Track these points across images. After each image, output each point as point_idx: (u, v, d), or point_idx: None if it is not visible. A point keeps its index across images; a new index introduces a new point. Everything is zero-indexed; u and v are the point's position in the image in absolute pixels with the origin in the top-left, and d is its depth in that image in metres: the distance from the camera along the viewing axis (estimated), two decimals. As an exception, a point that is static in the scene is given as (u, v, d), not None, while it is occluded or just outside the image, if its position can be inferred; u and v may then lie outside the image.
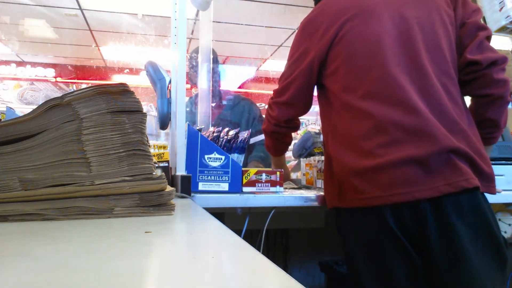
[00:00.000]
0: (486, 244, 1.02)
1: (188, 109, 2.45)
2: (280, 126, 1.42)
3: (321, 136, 2.12)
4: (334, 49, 1.21)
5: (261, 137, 2.36)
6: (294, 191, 1.46)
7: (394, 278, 1.05)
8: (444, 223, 1.01)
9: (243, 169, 1.35)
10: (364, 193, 1.07)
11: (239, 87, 8.18)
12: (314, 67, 1.26)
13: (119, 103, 0.72)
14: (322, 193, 1.38)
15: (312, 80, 1.30)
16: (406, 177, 1.03)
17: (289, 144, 1.55)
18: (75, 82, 7.25)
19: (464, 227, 1.01)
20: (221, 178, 1.32)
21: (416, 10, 1.18)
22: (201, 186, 1.31)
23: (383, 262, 1.07)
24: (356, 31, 1.18)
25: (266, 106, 1.49)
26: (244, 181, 1.35)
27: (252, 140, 2.32)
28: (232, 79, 7.89)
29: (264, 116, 1.91)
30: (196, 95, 2.40)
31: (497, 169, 1.35)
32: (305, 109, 1.40)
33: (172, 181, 1.34)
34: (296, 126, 1.47)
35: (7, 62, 7.00)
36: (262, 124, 1.52)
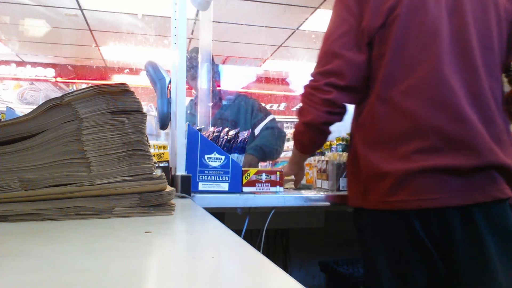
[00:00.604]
0: None
1: (188, 112, 2.43)
2: (335, 114, 1.18)
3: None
4: (385, 29, 1.06)
5: (265, 122, 2.31)
6: (294, 191, 1.46)
7: (414, 283, 1.02)
8: (473, 232, 0.98)
9: (243, 169, 1.35)
10: (391, 196, 1.02)
11: (244, 88, 8.18)
12: (364, 40, 1.09)
13: (119, 103, 0.72)
14: (322, 193, 1.38)
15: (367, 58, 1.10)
16: (437, 183, 0.98)
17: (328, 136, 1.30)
18: (75, 82, 7.26)
19: (492, 237, 0.98)
20: (221, 178, 1.32)
21: (471, 1, 1.06)
22: (201, 186, 1.31)
23: (404, 266, 1.04)
24: (411, 15, 1.04)
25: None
26: (244, 181, 1.35)
27: (257, 131, 2.28)
28: (233, 79, 7.89)
29: (259, 103, 1.76)
30: (196, 97, 2.39)
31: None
32: (362, 90, 1.16)
33: (172, 181, 1.34)
34: (345, 112, 1.23)
35: (7, 62, 7.00)
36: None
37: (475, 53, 1.04)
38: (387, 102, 1.05)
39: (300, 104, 1.25)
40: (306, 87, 1.20)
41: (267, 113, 2.46)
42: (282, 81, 8.25)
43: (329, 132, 1.26)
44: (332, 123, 1.22)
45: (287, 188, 1.59)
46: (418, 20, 1.04)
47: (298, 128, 1.27)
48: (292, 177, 1.68)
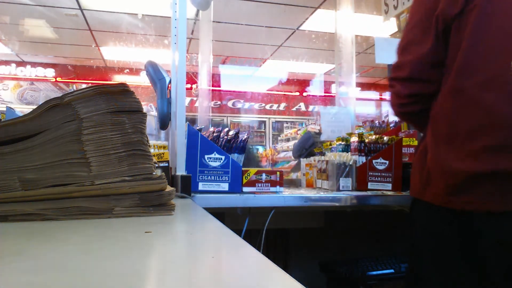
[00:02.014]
0: None
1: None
2: (406, 105, 1.17)
3: (322, 136, 2.13)
4: (463, 17, 1.01)
5: None
6: (294, 191, 1.46)
7: (460, 285, 1.01)
8: None
9: (243, 169, 1.35)
10: (453, 194, 0.99)
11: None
12: (439, 27, 1.05)
13: (119, 103, 0.72)
14: (322, 193, 1.38)
15: (441, 45, 1.06)
16: (502, 188, 0.93)
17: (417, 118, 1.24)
18: (75, 82, 7.26)
19: None
20: (221, 178, 1.32)
21: None
22: (201, 186, 1.31)
23: (451, 265, 1.02)
24: (494, 4, 0.99)
25: None
26: (244, 181, 1.35)
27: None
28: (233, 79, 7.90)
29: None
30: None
31: None
32: (433, 82, 1.10)
33: (172, 181, 1.34)
34: (423, 100, 1.15)
35: (7, 62, 7.00)
36: None
37: None
38: (460, 94, 1.00)
39: None
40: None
41: None
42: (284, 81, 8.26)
43: (415, 117, 1.20)
44: (410, 113, 1.18)
45: None
46: (501, 8, 0.98)
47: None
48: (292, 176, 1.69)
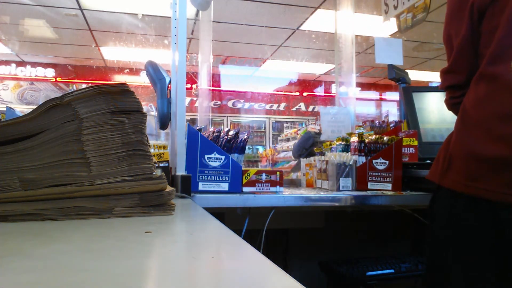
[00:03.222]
0: None
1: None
2: (456, 97, 1.16)
3: (322, 136, 2.13)
4: (499, 2, 0.99)
5: None
6: (294, 191, 1.46)
7: (483, 277, 0.96)
8: None
9: (243, 169, 1.35)
10: (477, 181, 0.95)
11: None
12: (476, 18, 1.04)
13: (119, 103, 0.72)
14: (322, 193, 1.38)
15: (475, 34, 1.05)
16: None
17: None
18: (75, 82, 7.26)
19: None
20: (221, 178, 1.32)
21: None
22: (201, 186, 1.31)
23: (477, 258, 0.97)
24: None
25: None
26: (244, 181, 1.35)
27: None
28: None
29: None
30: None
31: None
32: (469, 72, 1.10)
33: (172, 181, 1.34)
34: (461, 90, 1.16)
35: (7, 62, 7.00)
36: None
37: None
38: (493, 80, 0.99)
39: None
40: None
41: None
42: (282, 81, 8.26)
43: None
44: (458, 103, 1.16)
45: None
46: None
47: None
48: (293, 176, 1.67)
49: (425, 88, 2.58)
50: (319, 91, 8.48)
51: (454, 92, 1.15)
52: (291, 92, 8.42)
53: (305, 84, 8.46)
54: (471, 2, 1.03)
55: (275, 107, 8.41)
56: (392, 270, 1.62)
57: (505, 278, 0.96)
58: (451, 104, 1.19)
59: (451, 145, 1.06)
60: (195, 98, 6.32)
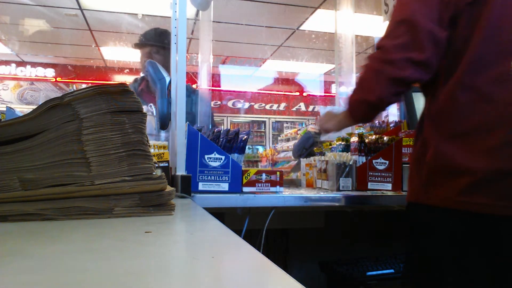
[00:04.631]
0: None
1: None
2: (400, 94, 1.06)
3: (322, 136, 2.13)
4: (476, 7, 0.94)
5: None
6: (294, 191, 1.46)
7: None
8: None
9: (243, 169, 1.35)
10: (468, 195, 0.92)
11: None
12: (449, 12, 0.96)
13: (119, 103, 0.72)
14: (322, 193, 1.38)
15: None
16: None
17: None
18: (75, 82, 7.26)
19: None
20: (221, 178, 1.32)
21: None
22: (201, 186, 1.31)
23: (470, 271, 0.95)
24: (507, 1, 0.94)
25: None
26: (244, 181, 1.35)
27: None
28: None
29: None
30: (142, 78, 2.20)
31: None
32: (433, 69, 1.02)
33: (172, 181, 1.34)
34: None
35: (7, 62, 7.00)
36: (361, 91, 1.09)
37: None
38: (472, 90, 0.94)
39: (361, 76, 1.11)
40: (374, 59, 1.06)
41: None
42: (282, 81, 8.26)
43: (385, 109, 1.13)
44: (394, 103, 1.12)
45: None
46: None
47: (357, 99, 1.13)
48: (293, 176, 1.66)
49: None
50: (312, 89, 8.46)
51: (403, 87, 1.03)
52: (291, 92, 8.42)
53: (306, 84, 8.46)
54: (446, 1, 0.96)
55: (275, 107, 8.41)
56: (392, 270, 1.62)
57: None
58: (388, 102, 1.06)
59: (428, 160, 1.00)
60: (195, 98, 6.31)
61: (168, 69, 2.17)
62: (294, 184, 1.99)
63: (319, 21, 5.11)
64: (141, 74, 2.28)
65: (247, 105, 8.27)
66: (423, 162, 1.01)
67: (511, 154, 0.89)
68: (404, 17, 0.99)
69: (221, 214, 1.40)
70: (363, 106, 1.10)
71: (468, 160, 0.92)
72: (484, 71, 0.93)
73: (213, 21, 2.35)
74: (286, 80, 8.32)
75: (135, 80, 2.30)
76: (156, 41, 2.25)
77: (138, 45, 2.28)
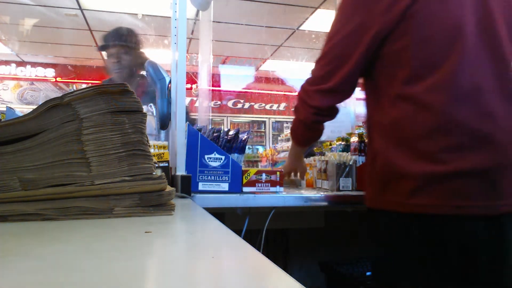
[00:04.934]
0: None
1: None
2: (323, 115, 1.22)
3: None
4: (402, 25, 1.01)
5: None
6: (294, 191, 1.46)
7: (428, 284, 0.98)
8: (500, 241, 0.95)
9: (243, 169, 1.35)
10: (411, 198, 0.97)
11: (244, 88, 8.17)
12: (374, 45, 1.04)
13: (119, 103, 0.72)
14: (322, 193, 1.38)
15: (368, 60, 1.07)
16: (466, 189, 0.93)
17: (322, 131, 1.34)
18: (75, 82, 7.26)
19: None
20: (221, 178, 1.32)
21: None
22: (201, 186, 1.31)
23: (419, 271, 0.99)
24: (432, 9, 0.99)
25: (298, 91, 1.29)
26: (244, 181, 1.35)
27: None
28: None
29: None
30: (110, 80, 2.16)
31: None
32: (352, 93, 1.18)
33: (172, 181, 1.34)
34: (337, 112, 1.25)
35: (7, 62, 7.00)
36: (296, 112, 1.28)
37: (503, 43, 1.00)
38: (409, 99, 1.00)
39: (296, 101, 1.29)
40: (301, 87, 1.24)
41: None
42: (282, 81, 8.25)
43: (321, 129, 1.30)
44: (323, 122, 1.27)
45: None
46: (440, 14, 0.99)
47: (294, 123, 1.33)
48: (292, 176, 1.68)
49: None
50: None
51: (322, 111, 1.20)
52: (291, 92, 8.42)
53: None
54: (373, 33, 1.03)
55: (275, 107, 8.41)
56: (392, 270, 1.62)
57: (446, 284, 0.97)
58: (314, 121, 1.24)
59: (378, 167, 1.06)
60: (195, 98, 6.33)
61: (138, 68, 2.15)
62: (294, 184, 1.99)
63: (319, 21, 5.11)
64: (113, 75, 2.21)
65: (247, 105, 8.28)
66: (375, 170, 1.08)
67: (447, 158, 0.94)
68: (326, 50, 1.14)
69: (221, 214, 1.40)
70: (298, 127, 1.31)
71: (409, 165, 0.98)
72: (419, 81, 0.99)
73: (213, 21, 2.35)
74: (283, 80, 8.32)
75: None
76: (123, 42, 2.21)
77: (104, 47, 2.22)
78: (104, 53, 2.20)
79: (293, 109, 1.32)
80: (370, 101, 1.14)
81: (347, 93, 1.17)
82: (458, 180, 0.94)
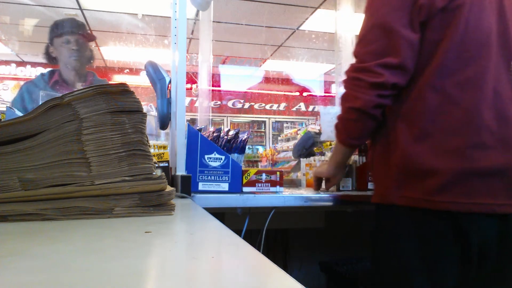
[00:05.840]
0: None
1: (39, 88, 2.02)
2: (386, 97, 1.05)
3: (322, 136, 2.13)
4: (447, 14, 1.00)
5: None
6: (294, 191, 1.46)
7: (446, 284, 0.99)
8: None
9: (243, 169, 1.35)
10: (438, 195, 0.96)
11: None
12: (420, 17, 1.00)
13: (119, 103, 0.72)
14: (322, 193, 1.38)
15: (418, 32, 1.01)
16: (489, 188, 0.95)
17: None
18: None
19: None
20: (221, 178, 1.32)
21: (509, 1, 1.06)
22: (201, 186, 1.31)
23: (442, 271, 0.99)
24: (475, 7, 1.01)
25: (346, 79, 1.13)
26: (244, 181, 1.35)
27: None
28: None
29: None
30: (51, 71, 2.11)
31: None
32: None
33: (172, 181, 1.34)
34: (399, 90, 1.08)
35: (7, 62, 7.00)
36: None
37: None
38: (440, 91, 0.99)
39: (344, 91, 1.12)
40: (350, 71, 1.10)
41: None
42: (282, 81, 8.25)
43: (380, 118, 1.10)
44: (383, 106, 1.08)
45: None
46: (479, 15, 1.01)
47: (342, 118, 1.13)
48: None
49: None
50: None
51: (386, 91, 1.04)
52: (291, 92, 8.42)
53: (306, 84, 8.46)
54: (419, 4, 0.99)
55: (275, 107, 8.41)
56: (392, 270, 1.62)
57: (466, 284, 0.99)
58: (376, 105, 1.05)
59: (395, 160, 1.02)
60: (195, 98, 6.33)
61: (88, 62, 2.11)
62: (294, 184, 1.99)
63: (319, 21, 5.11)
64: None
65: (247, 105, 8.28)
66: (390, 163, 1.05)
67: (474, 156, 0.96)
68: (376, 22, 1.04)
69: (221, 214, 1.40)
70: (349, 118, 1.10)
71: (435, 161, 0.97)
72: (451, 75, 0.99)
73: (213, 21, 2.35)
74: (286, 80, 8.32)
75: (42, 74, 2.15)
76: (82, 31, 2.15)
77: (62, 34, 2.09)
78: (57, 40, 2.08)
79: (341, 99, 1.13)
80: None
81: (409, 72, 1.03)
82: (484, 178, 0.96)
